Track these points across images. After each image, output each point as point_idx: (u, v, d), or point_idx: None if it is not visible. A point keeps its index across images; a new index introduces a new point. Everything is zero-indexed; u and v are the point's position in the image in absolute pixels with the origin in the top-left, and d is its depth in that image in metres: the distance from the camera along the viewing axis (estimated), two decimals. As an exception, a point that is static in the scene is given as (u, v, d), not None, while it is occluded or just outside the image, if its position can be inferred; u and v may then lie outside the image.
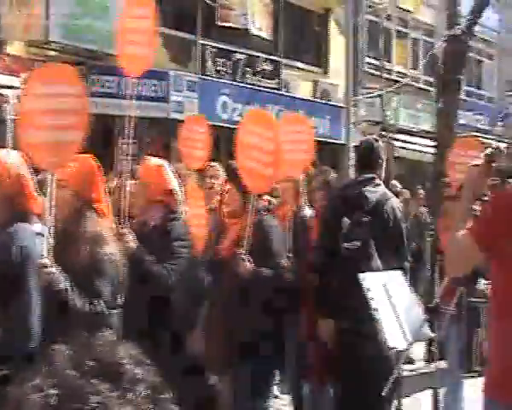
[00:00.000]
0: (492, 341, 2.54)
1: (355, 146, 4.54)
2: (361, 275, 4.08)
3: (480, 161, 2.60)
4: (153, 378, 0.89)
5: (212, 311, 3.93)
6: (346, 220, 3.77)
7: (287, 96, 14.77)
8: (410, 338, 3.65)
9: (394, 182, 9.81)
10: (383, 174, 4.08)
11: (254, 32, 14.26)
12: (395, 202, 4.02)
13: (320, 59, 16.42)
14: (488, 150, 2.59)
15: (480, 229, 2.47)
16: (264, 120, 4.14)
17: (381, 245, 3.77)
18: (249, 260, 3.71)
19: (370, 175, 3.97)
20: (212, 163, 5.35)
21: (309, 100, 15.43)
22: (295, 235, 4.38)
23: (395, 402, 4.43)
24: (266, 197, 4.29)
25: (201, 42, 13.23)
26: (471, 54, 19.73)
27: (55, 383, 0.82)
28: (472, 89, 21.84)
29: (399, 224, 3.91)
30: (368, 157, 4.03)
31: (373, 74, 17.07)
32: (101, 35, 10.74)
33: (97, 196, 3.09)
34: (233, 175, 4.06)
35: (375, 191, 3.89)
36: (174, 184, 3.78)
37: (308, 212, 4.73)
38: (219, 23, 13.54)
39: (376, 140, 4.18)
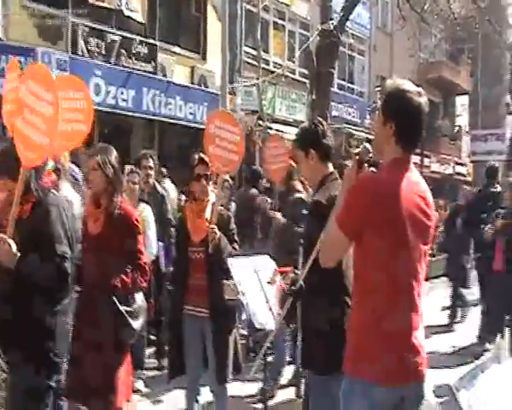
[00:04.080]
0: (353, 319, 2.63)
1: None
2: (229, 260, 4.14)
3: (352, 162, 2.74)
4: None
5: None
6: None
7: (163, 80, 14.54)
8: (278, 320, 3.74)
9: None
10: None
11: (128, 13, 13.86)
12: None
13: (198, 45, 16.32)
14: (357, 150, 2.73)
15: (342, 216, 2.57)
16: (45, 78, 3.36)
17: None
18: (18, 247, 3.15)
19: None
20: None
21: (185, 85, 15.29)
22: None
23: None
24: (50, 167, 3.83)
25: (73, 20, 12.65)
26: (343, 49, 20.56)
27: None
28: (344, 83, 22.76)
29: None
30: None
31: (250, 64, 17.25)
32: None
33: None
34: None
35: None
36: None
37: None
38: (92, 1, 13.01)
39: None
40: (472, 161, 30.75)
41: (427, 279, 2.92)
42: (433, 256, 12.30)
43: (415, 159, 21.31)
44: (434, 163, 27.65)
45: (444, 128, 28.77)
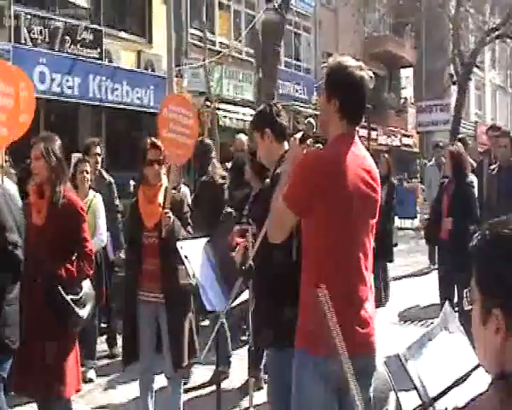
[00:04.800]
0: (302, 294, 2.67)
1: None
2: (179, 243, 4.22)
3: (298, 135, 2.80)
4: None
5: None
6: None
7: (109, 66, 14.44)
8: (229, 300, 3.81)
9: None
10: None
11: (71, -1, 13.70)
12: None
13: (144, 29, 16.20)
14: (302, 125, 2.82)
15: (289, 194, 2.61)
16: (4, 73, 3.44)
17: None
18: None
19: None
20: None
21: (131, 70, 15.22)
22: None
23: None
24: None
25: (14, 8, 12.44)
26: (289, 27, 20.71)
27: None
28: (291, 60, 22.94)
29: None
30: None
31: (197, 45, 17.23)
32: None
33: None
34: None
35: None
36: None
37: None
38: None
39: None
40: (418, 132, 31.47)
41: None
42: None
43: (362, 132, 21.74)
44: (381, 136, 28.22)
45: (390, 101, 29.31)
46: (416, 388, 1.99)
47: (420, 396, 1.95)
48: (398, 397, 2.69)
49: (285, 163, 2.94)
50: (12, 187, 4.73)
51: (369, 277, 2.68)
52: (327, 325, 1.94)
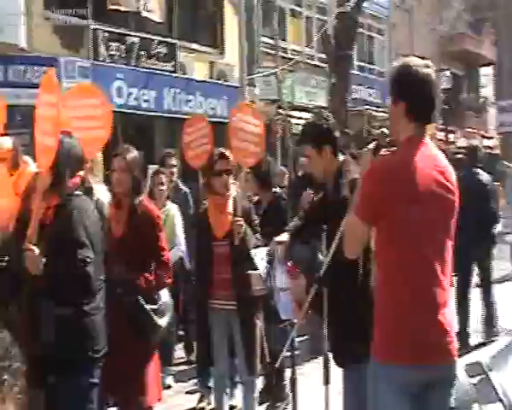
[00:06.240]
0: (378, 303, 2.61)
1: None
2: (252, 251, 4.22)
3: (371, 146, 2.76)
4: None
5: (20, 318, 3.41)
6: None
7: (183, 78, 14.74)
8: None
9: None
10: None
11: (146, 14, 14.08)
12: None
13: (216, 40, 16.45)
14: (376, 132, 2.78)
15: (357, 203, 2.58)
16: (47, 83, 3.46)
17: None
18: (44, 251, 3.15)
19: None
20: None
21: (204, 81, 15.47)
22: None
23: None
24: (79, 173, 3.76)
25: (93, 26, 12.93)
26: (361, 30, 20.47)
27: None
28: (364, 64, 22.65)
29: None
30: None
31: (268, 53, 17.32)
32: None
33: None
34: None
35: None
36: None
37: None
38: (110, 6, 13.27)
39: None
40: (500, 133, 30.25)
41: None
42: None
43: (439, 135, 21.14)
44: (460, 138, 27.32)
45: (468, 101, 28.38)
46: (500, 400, 1.89)
47: (505, 408, 1.85)
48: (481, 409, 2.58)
49: (358, 175, 2.87)
50: (105, 196, 4.72)
51: (448, 280, 2.58)
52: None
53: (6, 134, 4.51)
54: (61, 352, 3.15)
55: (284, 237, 3.66)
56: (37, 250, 3.13)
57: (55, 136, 3.27)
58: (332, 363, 3.45)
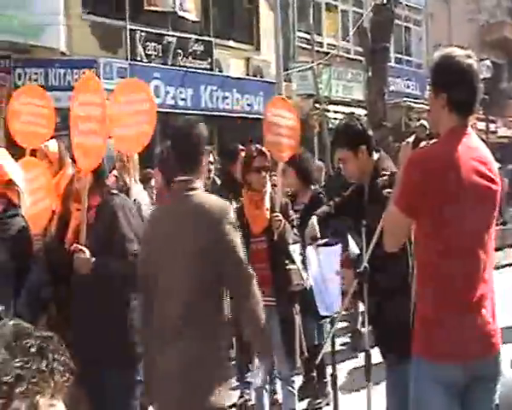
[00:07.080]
0: (420, 299, 2.59)
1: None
2: (291, 247, 4.23)
3: (411, 139, 2.73)
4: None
5: (58, 317, 3.48)
6: None
7: (219, 76, 14.81)
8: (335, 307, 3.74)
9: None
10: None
11: (182, 14, 14.19)
12: None
13: (251, 36, 16.48)
14: (415, 125, 2.76)
15: (397, 195, 2.54)
16: (90, 84, 3.50)
17: None
18: (89, 251, 3.23)
19: None
20: None
21: (240, 78, 15.50)
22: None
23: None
24: (114, 173, 3.80)
25: (130, 27, 13.11)
26: (398, 21, 20.19)
27: None
28: (401, 56, 22.35)
29: None
30: None
31: (304, 48, 17.25)
32: (24, 27, 10.51)
33: None
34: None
35: None
36: (15, 175, 3.43)
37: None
38: (147, 7, 13.43)
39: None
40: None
41: (498, 249, 2.81)
42: (504, 224, 12.00)
43: (480, 125, 20.72)
44: (501, 128, 26.72)
45: (509, 90, 27.73)
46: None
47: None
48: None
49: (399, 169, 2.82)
50: (142, 196, 4.79)
51: (490, 273, 2.53)
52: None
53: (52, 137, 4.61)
54: (112, 349, 3.21)
55: (314, 219, 3.72)
56: (87, 251, 3.20)
57: (104, 136, 3.31)
58: (373, 360, 3.43)
